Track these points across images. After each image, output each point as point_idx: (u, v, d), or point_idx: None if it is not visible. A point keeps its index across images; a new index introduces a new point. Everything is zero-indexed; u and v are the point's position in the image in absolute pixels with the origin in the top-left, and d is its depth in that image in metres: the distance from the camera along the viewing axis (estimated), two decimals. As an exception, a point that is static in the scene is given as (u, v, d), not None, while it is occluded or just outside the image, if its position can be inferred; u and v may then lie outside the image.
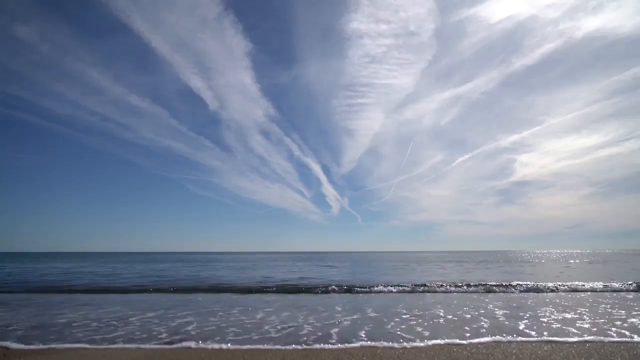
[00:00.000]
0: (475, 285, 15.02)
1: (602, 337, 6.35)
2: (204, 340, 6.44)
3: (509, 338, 6.36)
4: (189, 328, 7.54)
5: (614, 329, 7.16)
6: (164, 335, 6.90)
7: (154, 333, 7.09)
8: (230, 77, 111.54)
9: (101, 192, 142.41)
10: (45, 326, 7.81)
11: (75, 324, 8.00)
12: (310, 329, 7.44)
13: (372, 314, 9.08)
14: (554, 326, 7.43)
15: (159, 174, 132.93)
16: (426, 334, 6.83)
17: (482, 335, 6.61)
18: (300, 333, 7.05)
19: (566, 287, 14.72)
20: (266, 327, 7.58)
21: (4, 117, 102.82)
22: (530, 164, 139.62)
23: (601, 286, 14.96)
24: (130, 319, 8.55)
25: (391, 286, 14.68)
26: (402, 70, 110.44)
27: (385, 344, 6.10)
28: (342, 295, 13.38)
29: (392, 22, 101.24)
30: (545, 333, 6.79)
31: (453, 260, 49.53)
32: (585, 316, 8.60)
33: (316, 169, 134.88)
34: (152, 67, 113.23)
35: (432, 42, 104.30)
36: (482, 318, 8.43)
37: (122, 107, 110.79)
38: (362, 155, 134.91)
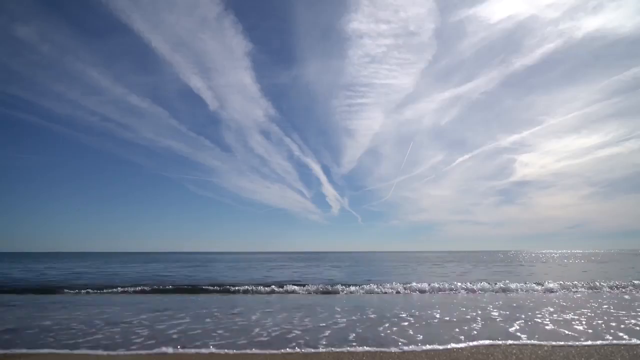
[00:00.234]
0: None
1: (601, 340, 6.16)
2: (184, 345, 6.06)
3: (510, 341, 6.07)
4: (173, 331, 7.16)
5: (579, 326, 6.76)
6: (141, 339, 6.51)
7: (133, 337, 6.71)
8: (230, 77, 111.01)
9: (101, 192, 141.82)
10: (21, 330, 7.44)
11: (56, 327, 7.62)
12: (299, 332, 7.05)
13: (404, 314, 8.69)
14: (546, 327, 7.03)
15: (159, 174, 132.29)
16: (420, 338, 6.47)
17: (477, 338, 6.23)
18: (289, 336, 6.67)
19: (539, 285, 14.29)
20: (257, 330, 7.21)
21: (4, 117, 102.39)
22: (530, 164, 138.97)
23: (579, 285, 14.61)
24: (117, 321, 8.19)
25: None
26: (402, 70, 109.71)
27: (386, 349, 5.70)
28: (349, 295, 12.93)
29: (392, 22, 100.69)
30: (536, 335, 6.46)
31: (454, 260, 49.23)
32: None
33: (316, 169, 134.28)
34: (152, 67, 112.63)
35: (432, 42, 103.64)
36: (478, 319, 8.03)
37: (122, 107, 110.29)
38: (362, 155, 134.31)
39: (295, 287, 14.39)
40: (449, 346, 5.88)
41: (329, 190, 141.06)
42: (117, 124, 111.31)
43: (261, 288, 14.36)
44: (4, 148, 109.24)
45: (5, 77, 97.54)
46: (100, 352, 5.75)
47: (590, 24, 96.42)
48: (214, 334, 6.91)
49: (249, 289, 14.31)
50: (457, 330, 7.14)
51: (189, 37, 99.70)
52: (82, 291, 14.34)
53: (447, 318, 8.41)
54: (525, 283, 15.36)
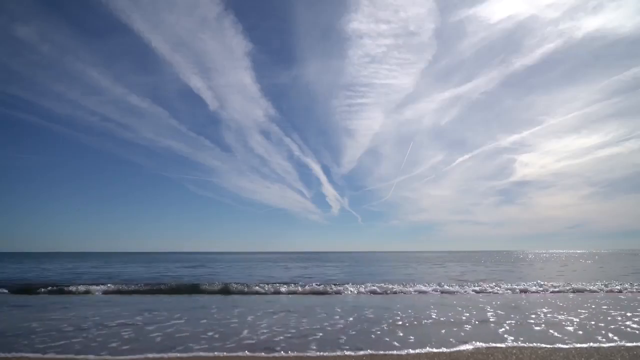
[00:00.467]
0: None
1: (600, 342, 6.00)
2: (162, 349, 5.75)
3: (510, 342, 5.84)
4: (158, 334, 6.86)
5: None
6: (118, 344, 6.19)
7: (113, 340, 6.41)
8: (230, 77, 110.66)
9: (101, 192, 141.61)
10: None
11: (40, 330, 7.29)
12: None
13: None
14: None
15: (159, 174, 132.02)
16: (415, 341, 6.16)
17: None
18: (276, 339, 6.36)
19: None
20: (245, 332, 6.92)
21: (4, 117, 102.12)
22: (530, 164, 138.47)
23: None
24: (105, 323, 7.89)
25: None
26: (402, 70, 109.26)
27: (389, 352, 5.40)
28: (360, 296, 12.64)
29: (392, 22, 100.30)
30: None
31: (454, 260, 48.94)
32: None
33: (316, 169, 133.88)
34: (152, 67, 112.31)
35: (432, 42, 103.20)
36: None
37: (122, 107, 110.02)
38: (362, 155, 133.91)
39: (295, 288, 14.09)
40: (449, 348, 5.74)
41: (329, 190, 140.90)
42: (117, 124, 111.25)
43: (260, 288, 14.05)
44: (4, 148, 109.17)
45: (5, 77, 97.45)
46: (71, 356, 5.45)
47: (590, 24, 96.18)
48: (203, 336, 6.63)
49: (248, 289, 14.01)
50: (454, 330, 6.97)
51: (189, 37, 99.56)
52: (82, 291, 14.01)
53: (443, 319, 8.16)
54: (525, 283, 15.12)
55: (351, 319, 8.32)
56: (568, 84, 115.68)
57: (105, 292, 13.85)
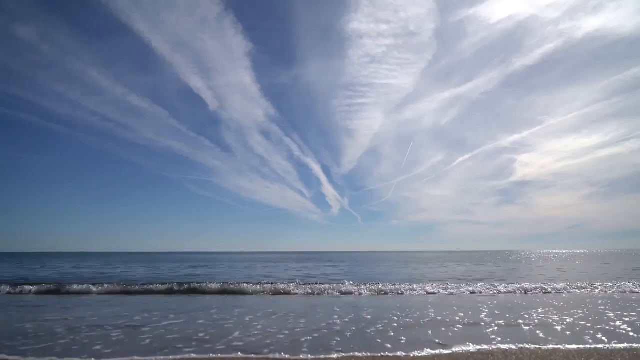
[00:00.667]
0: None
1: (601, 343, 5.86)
2: (145, 353, 5.56)
3: (510, 344, 5.67)
4: (148, 336, 6.66)
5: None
6: (100, 347, 5.98)
7: (98, 342, 6.21)
8: (230, 77, 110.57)
9: (101, 192, 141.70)
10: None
11: (30, 331, 7.07)
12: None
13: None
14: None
15: (159, 174, 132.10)
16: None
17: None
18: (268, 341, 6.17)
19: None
20: (237, 334, 6.72)
21: (4, 117, 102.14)
22: (530, 164, 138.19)
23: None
24: (99, 324, 7.68)
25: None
26: (402, 70, 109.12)
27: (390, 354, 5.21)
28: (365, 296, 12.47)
29: (392, 22, 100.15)
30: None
31: (454, 260, 48.79)
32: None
33: (316, 169, 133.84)
34: (152, 67, 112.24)
35: (432, 42, 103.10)
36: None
37: (122, 107, 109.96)
38: (362, 155, 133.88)
39: (294, 288, 13.88)
40: (450, 349, 5.68)
41: (329, 190, 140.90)
42: (117, 124, 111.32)
43: (259, 288, 13.85)
44: (4, 148, 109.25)
45: (5, 77, 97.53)
46: (54, 358, 5.27)
47: (590, 24, 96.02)
48: (195, 338, 6.42)
49: (247, 289, 13.80)
50: (455, 330, 6.80)
51: (189, 37, 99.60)
52: (82, 291, 13.85)
53: (442, 319, 7.97)
54: (525, 283, 14.92)
55: (348, 320, 8.13)
56: (568, 84, 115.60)
57: (104, 292, 13.67)
